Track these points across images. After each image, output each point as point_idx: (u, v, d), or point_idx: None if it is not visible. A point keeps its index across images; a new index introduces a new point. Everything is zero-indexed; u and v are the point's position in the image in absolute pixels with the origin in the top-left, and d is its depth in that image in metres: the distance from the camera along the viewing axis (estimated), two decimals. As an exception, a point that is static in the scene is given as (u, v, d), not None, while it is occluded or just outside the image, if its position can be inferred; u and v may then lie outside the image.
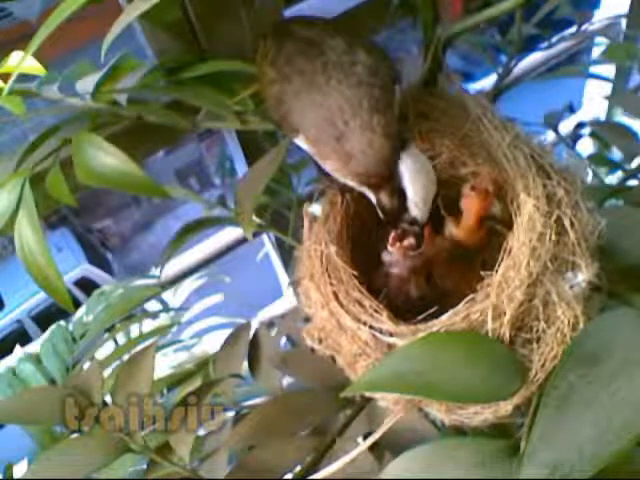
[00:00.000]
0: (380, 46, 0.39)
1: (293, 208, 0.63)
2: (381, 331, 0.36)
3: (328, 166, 0.38)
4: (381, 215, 0.39)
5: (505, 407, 0.33)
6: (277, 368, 0.51)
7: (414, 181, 0.36)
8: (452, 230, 0.42)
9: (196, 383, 0.67)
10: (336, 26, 0.41)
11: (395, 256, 0.40)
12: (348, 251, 0.42)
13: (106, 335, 0.74)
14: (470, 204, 0.40)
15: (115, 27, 0.32)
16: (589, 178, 0.77)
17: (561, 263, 0.34)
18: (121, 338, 0.82)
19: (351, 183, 0.38)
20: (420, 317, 0.36)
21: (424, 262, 0.41)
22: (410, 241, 0.39)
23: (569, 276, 0.34)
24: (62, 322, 0.77)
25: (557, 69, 0.98)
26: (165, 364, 0.87)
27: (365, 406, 0.43)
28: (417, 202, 0.36)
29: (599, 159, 0.76)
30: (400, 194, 0.36)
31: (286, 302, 1.10)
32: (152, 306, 0.92)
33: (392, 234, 0.39)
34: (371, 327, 0.36)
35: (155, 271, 0.77)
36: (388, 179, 0.36)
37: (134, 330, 0.84)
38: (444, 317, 0.35)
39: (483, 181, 0.40)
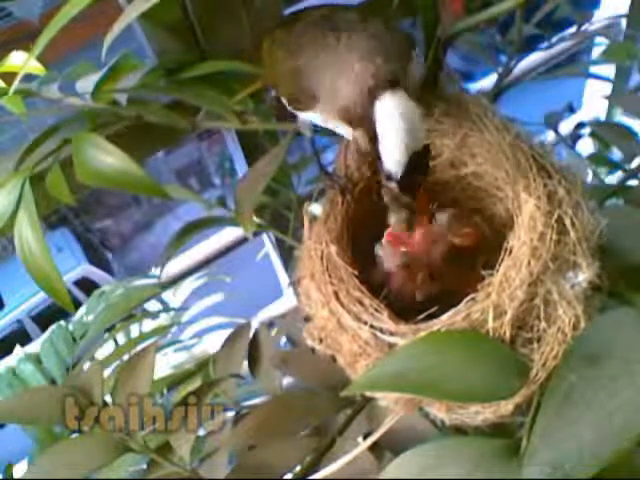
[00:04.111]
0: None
1: (293, 208, 0.63)
2: (382, 330, 0.36)
3: (328, 117, 0.37)
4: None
5: (506, 406, 0.33)
6: (277, 368, 0.51)
7: (387, 125, 0.33)
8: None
9: (196, 383, 0.67)
10: (347, 7, 0.40)
11: (386, 250, 0.40)
12: (349, 251, 0.42)
13: (106, 335, 0.75)
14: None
15: (115, 27, 0.32)
16: (589, 178, 0.77)
17: (562, 262, 0.34)
18: (121, 338, 0.82)
19: (339, 125, 0.36)
20: (421, 316, 0.36)
21: (422, 262, 0.41)
22: (397, 220, 0.39)
23: (570, 275, 0.34)
24: (62, 322, 0.77)
25: (557, 69, 0.99)
26: (165, 364, 0.87)
27: (365, 406, 0.43)
28: (388, 149, 0.33)
29: (599, 159, 0.76)
30: (375, 138, 0.33)
31: (286, 302, 1.10)
32: (152, 306, 0.92)
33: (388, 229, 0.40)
34: (372, 326, 0.36)
35: (155, 271, 0.77)
36: (363, 118, 0.33)
37: (134, 330, 0.84)
38: (445, 316, 0.34)
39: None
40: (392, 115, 0.33)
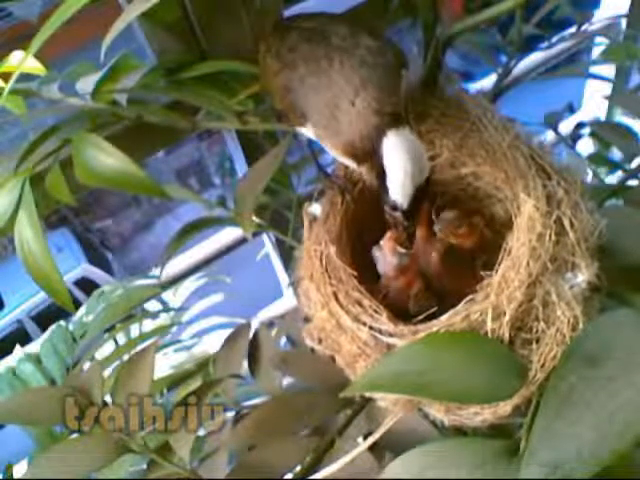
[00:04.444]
0: (385, 34, 0.39)
1: (293, 208, 0.63)
2: (381, 331, 0.36)
3: (329, 148, 0.38)
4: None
5: (504, 407, 0.33)
6: (277, 368, 0.51)
7: (394, 161, 0.34)
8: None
9: (196, 383, 0.66)
10: (338, 17, 0.41)
11: (383, 251, 0.40)
12: (348, 251, 0.42)
13: (106, 335, 0.74)
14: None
15: (115, 27, 0.32)
16: (589, 178, 0.77)
17: (561, 263, 0.34)
18: (121, 338, 0.82)
19: (343, 159, 0.38)
20: (420, 317, 0.36)
21: (421, 269, 0.41)
22: (399, 234, 0.39)
23: (569, 276, 0.34)
24: (62, 322, 0.77)
25: (557, 69, 0.98)
26: (165, 364, 0.87)
27: (365, 406, 0.43)
28: (395, 184, 0.35)
29: (599, 159, 0.76)
30: (382, 172, 0.35)
31: (286, 302, 1.10)
32: (152, 306, 0.92)
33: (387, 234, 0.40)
34: (371, 327, 0.36)
35: (155, 271, 0.77)
36: (370, 153, 0.35)
37: (134, 330, 0.84)
38: (444, 317, 0.35)
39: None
40: (399, 153, 0.34)
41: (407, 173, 0.34)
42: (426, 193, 0.36)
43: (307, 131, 0.39)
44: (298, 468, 0.42)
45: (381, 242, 0.40)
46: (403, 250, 0.40)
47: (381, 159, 0.35)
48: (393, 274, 0.40)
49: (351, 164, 0.38)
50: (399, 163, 0.34)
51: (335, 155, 0.39)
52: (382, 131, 0.34)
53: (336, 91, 0.35)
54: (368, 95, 0.35)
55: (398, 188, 0.35)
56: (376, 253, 0.41)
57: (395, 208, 0.36)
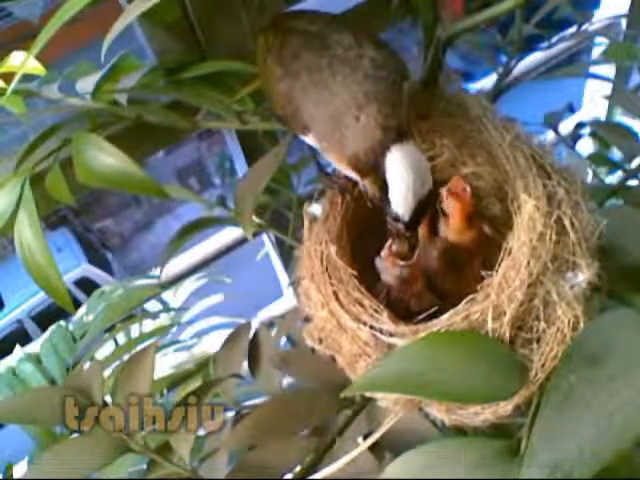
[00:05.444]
0: (387, 43, 0.39)
1: (293, 208, 0.63)
2: (381, 331, 0.36)
3: (332, 159, 0.38)
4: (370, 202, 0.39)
5: (505, 407, 0.33)
6: (277, 368, 0.51)
7: (397, 175, 0.35)
8: (443, 230, 0.42)
9: (196, 383, 0.67)
10: (341, 20, 0.40)
11: (384, 264, 0.40)
12: (348, 251, 0.42)
13: (106, 335, 0.75)
14: (450, 206, 0.41)
15: (115, 27, 0.32)
16: (589, 178, 0.77)
17: (561, 263, 0.34)
18: (121, 338, 0.82)
19: (346, 171, 0.38)
20: (420, 317, 0.36)
21: (422, 268, 0.41)
22: (399, 248, 0.39)
23: (569, 276, 0.34)
24: (62, 322, 0.77)
25: (557, 69, 0.99)
26: (165, 364, 0.87)
27: (365, 406, 0.43)
28: (397, 196, 0.35)
29: (599, 159, 0.76)
30: (384, 186, 0.36)
31: (286, 302, 1.10)
32: (152, 306, 0.92)
33: (388, 242, 0.40)
34: (371, 327, 0.36)
35: (155, 271, 0.77)
36: (373, 167, 0.35)
37: (134, 330, 0.84)
38: (444, 317, 0.35)
39: (458, 183, 0.40)
40: (402, 167, 0.34)
41: (409, 187, 0.35)
42: (428, 206, 0.37)
43: (308, 140, 0.39)
44: (298, 468, 0.42)
45: (382, 254, 0.40)
46: (403, 263, 0.40)
47: (384, 173, 0.35)
48: (394, 283, 0.40)
49: (354, 176, 0.38)
50: (402, 177, 0.35)
51: (337, 167, 0.39)
52: (386, 146, 0.35)
53: (340, 105, 0.35)
54: (373, 110, 0.35)
55: (400, 201, 0.35)
56: (378, 264, 0.41)
57: (397, 220, 0.37)
